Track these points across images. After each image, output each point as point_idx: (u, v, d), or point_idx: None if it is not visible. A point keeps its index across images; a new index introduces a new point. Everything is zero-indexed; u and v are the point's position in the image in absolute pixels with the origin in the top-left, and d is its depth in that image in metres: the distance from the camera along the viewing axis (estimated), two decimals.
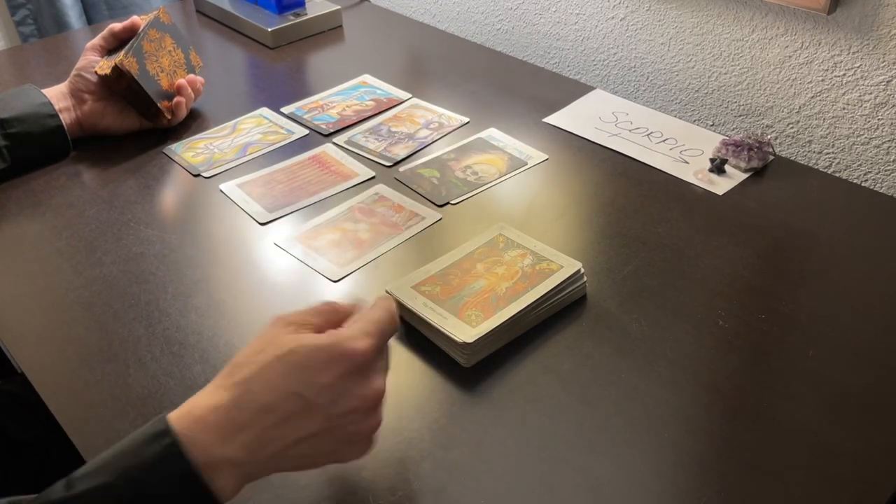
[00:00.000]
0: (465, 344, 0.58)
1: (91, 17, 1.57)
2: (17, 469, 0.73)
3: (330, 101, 1.00)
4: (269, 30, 1.15)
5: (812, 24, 0.87)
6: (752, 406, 0.57)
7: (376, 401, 0.46)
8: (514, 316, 0.61)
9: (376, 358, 0.46)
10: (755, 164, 0.82)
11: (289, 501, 0.51)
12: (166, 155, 0.90)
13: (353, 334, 0.45)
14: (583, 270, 0.66)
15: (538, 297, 0.62)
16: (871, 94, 0.85)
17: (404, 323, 0.65)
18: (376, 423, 0.47)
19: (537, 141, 0.90)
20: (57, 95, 0.89)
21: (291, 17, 1.18)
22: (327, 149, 0.90)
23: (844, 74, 0.86)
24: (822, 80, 0.89)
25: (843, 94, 0.87)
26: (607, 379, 0.59)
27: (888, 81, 0.83)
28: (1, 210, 0.81)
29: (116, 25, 0.92)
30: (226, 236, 0.77)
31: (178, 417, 0.43)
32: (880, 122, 0.85)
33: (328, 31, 1.21)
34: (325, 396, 0.43)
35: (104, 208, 0.81)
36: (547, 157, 0.87)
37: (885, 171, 0.87)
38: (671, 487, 0.51)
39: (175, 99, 0.92)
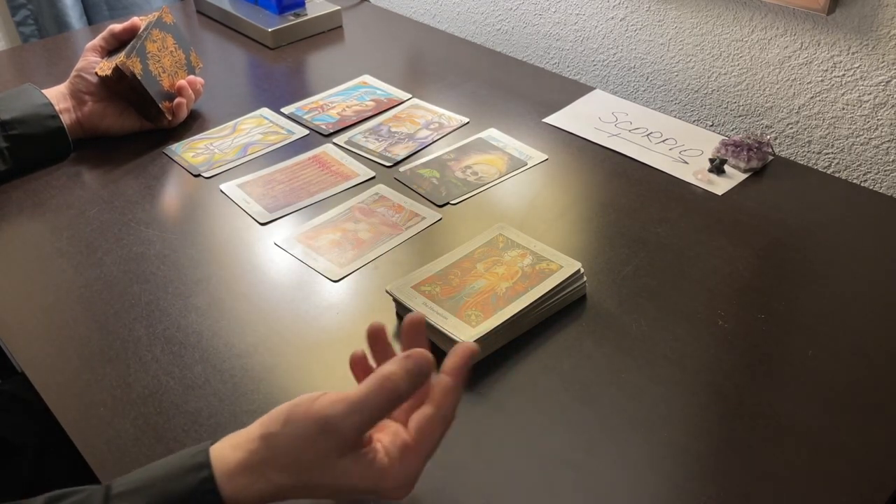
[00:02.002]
0: None
1: (91, 18, 1.57)
2: (13, 473, 0.72)
3: (330, 102, 1.00)
4: (270, 30, 1.15)
5: (811, 25, 0.87)
6: (752, 406, 0.57)
7: (382, 482, 0.44)
8: (514, 316, 0.61)
9: (366, 437, 0.44)
10: (755, 164, 0.82)
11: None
12: (167, 155, 0.90)
13: (341, 411, 0.42)
14: (582, 270, 0.66)
15: (538, 297, 0.62)
16: (870, 94, 0.85)
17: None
18: (399, 496, 0.45)
19: (537, 141, 0.90)
20: (57, 96, 0.89)
21: (291, 18, 1.18)
22: (327, 149, 0.90)
23: (844, 75, 0.86)
24: (822, 81, 0.89)
25: (843, 94, 0.87)
26: (607, 379, 0.59)
27: (887, 82, 0.83)
28: (1, 210, 0.81)
29: (116, 26, 0.92)
30: (226, 236, 0.77)
31: (217, 457, 0.45)
32: (879, 123, 0.86)
33: (328, 31, 1.21)
34: (315, 473, 0.43)
35: (105, 208, 0.81)
36: (547, 157, 0.87)
37: (885, 171, 0.88)
38: (671, 487, 0.51)
39: (176, 100, 0.92)
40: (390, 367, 0.43)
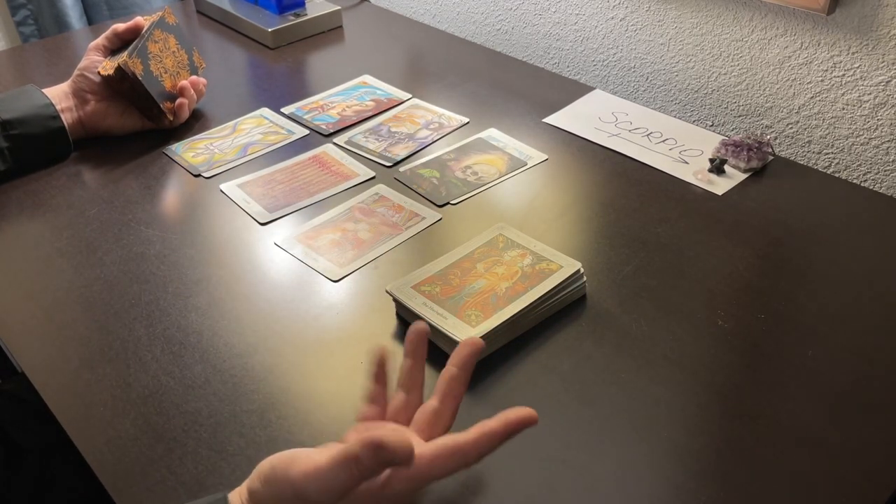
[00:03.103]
0: None
1: (92, 18, 1.57)
2: (18, 474, 0.73)
3: (330, 102, 1.00)
4: (270, 30, 1.15)
5: (811, 25, 0.87)
6: (752, 406, 0.57)
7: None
8: (513, 316, 0.61)
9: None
10: (755, 164, 0.82)
11: None
12: (167, 155, 0.90)
13: (314, 489, 0.42)
14: (582, 270, 0.66)
15: (538, 297, 0.62)
16: (870, 94, 0.85)
17: (404, 323, 0.65)
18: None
19: (537, 141, 0.90)
20: (59, 95, 0.89)
21: (291, 18, 1.18)
22: (327, 149, 0.90)
23: (844, 75, 0.86)
24: (822, 81, 0.89)
25: (843, 94, 0.87)
26: (607, 379, 0.59)
27: (887, 82, 0.83)
28: (1, 210, 0.81)
29: (120, 26, 0.92)
30: (226, 236, 0.77)
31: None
32: (879, 123, 0.86)
33: (328, 31, 1.21)
34: None
35: (105, 208, 0.81)
36: (547, 157, 0.87)
37: (885, 171, 0.88)
38: (671, 487, 0.51)
39: (178, 100, 0.92)
40: (354, 449, 0.41)
